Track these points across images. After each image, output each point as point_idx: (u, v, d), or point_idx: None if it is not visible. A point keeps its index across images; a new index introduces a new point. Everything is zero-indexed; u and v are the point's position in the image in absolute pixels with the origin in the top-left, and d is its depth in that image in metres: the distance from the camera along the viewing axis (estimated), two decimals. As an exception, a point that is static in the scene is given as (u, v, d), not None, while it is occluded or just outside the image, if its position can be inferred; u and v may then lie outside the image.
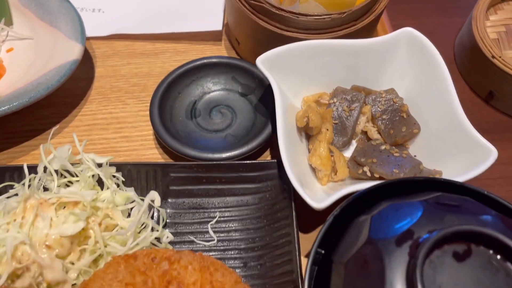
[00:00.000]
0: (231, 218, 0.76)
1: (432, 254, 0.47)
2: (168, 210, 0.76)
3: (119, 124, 0.92)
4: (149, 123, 0.89)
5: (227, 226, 0.76)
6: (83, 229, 0.65)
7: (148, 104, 0.88)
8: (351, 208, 0.57)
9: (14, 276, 0.61)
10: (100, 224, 0.66)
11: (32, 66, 0.90)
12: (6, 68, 0.92)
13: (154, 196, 0.70)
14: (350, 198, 0.58)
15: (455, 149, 0.75)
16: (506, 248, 0.46)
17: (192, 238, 0.74)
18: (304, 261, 0.70)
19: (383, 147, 0.79)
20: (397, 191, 0.58)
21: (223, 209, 0.77)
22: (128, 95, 0.96)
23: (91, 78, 0.99)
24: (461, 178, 0.68)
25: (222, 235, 0.75)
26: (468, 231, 0.47)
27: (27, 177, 0.69)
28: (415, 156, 0.79)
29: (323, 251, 0.57)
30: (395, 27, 0.98)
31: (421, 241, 0.47)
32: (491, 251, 0.47)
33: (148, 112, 0.88)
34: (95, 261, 0.67)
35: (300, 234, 0.75)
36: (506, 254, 0.47)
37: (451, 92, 0.78)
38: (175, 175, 0.77)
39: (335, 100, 0.84)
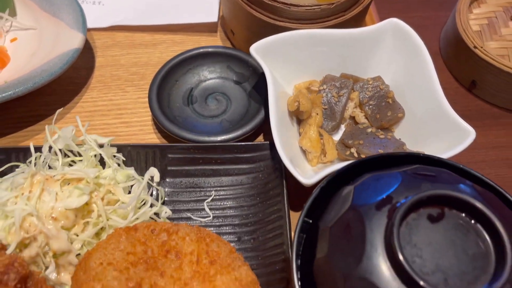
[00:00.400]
0: (226, 196, 0.81)
1: (408, 216, 0.51)
2: (166, 189, 0.80)
3: (119, 111, 0.96)
4: (148, 109, 0.93)
5: (222, 204, 0.80)
6: (86, 203, 0.69)
7: (147, 92, 0.92)
8: (336, 180, 0.62)
9: (22, 245, 0.65)
10: (102, 199, 0.70)
11: (35, 55, 0.94)
12: (10, 57, 0.96)
13: (153, 172, 0.75)
14: (335, 172, 0.62)
15: (436, 132, 0.80)
16: (476, 211, 0.51)
17: (189, 215, 0.78)
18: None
19: (369, 130, 0.83)
20: (379, 165, 0.62)
21: (219, 188, 0.81)
22: (128, 83, 1.00)
23: (92, 67, 1.03)
24: (441, 156, 0.72)
25: (217, 212, 0.79)
26: (441, 195, 0.51)
27: (33, 155, 0.73)
28: (399, 139, 0.84)
29: (310, 221, 0.61)
30: (382, 20, 1.02)
31: (398, 206, 0.52)
32: (463, 214, 0.52)
33: (146, 99, 0.92)
34: (98, 234, 0.71)
35: (291, 211, 0.79)
36: (476, 217, 0.51)
37: (433, 78, 0.83)
38: (173, 156, 0.81)
39: (324, 86, 0.89)
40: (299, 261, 0.59)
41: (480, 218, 0.51)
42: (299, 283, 0.55)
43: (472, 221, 0.51)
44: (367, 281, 0.49)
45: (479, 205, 0.51)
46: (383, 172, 0.59)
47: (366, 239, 0.51)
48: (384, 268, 0.49)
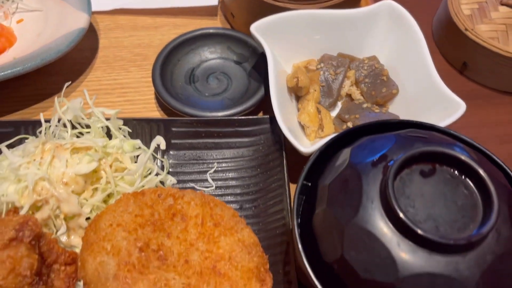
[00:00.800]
0: (228, 168, 0.84)
1: (402, 172, 0.55)
2: (170, 161, 0.84)
3: (123, 89, 0.99)
4: (151, 88, 0.96)
5: (224, 175, 0.83)
6: (95, 170, 0.72)
7: (149, 72, 0.95)
8: (334, 145, 0.65)
9: (34, 208, 0.68)
10: (110, 166, 0.73)
11: (42, 35, 0.97)
12: (17, 37, 0.99)
13: (159, 140, 0.78)
14: (334, 137, 0.66)
15: (429, 106, 0.84)
16: (466, 167, 0.54)
17: (192, 185, 0.82)
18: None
19: (365, 105, 0.87)
20: (375, 131, 0.66)
21: (221, 160, 0.85)
22: (131, 64, 1.03)
23: (96, 48, 1.06)
24: (433, 127, 0.76)
25: (219, 182, 0.82)
26: (433, 152, 0.55)
27: (43, 125, 0.76)
28: (394, 114, 0.88)
29: (309, 183, 0.65)
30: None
31: (392, 162, 0.55)
32: (453, 170, 0.55)
33: (149, 79, 0.95)
34: (106, 201, 0.74)
35: (290, 183, 0.83)
36: (466, 172, 0.55)
37: (426, 55, 0.87)
38: (177, 129, 0.84)
39: (322, 65, 0.93)
40: (299, 220, 0.62)
41: (469, 173, 0.55)
42: (299, 239, 0.59)
43: (462, 176, 0.55)
44: (363, 229, 0.52)
45: (468, 160, 0.54)
46: (378, 135, 0.62)
47: (363, 192, 0.54)
48: (379, 217, 0.52)
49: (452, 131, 0.65)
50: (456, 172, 0.55)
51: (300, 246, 0.57)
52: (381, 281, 0.51)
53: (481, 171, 0.53)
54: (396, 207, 0.51)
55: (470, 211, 0.53)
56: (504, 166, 0.61)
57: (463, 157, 0.55)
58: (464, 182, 0.55)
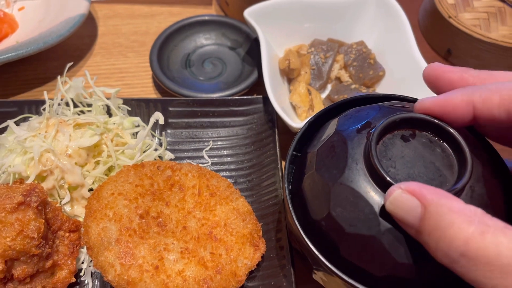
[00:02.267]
0: (223, 146, 0.88)
1: (384, 137, 0.59)
2: (168, 139, 0.88)
3: (121, 74, 1.03)
4: (149, 73, 1.00)
5: (219, 152, 0.88)
6: (97, 144, 0.76)
7: (147, 57, 0.99)
8: (323, 117, 0.70)
9: (40, 178, 0.72)
10: (112, 141, 0.77)
11: (43, 21, 1.01)
12: (19, 24, 1.03)
13: (158, 116, 0.82)
14: (323, 109, 0.70)
15: (414, 87, 0.88)
16: (443, 131, 0.59)
17: (189, 161, 0.86)
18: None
19: (353, 86, 0.92)
20: (361, 104, 0.70)
21: (216, 139, 0.89)
22: (129, 50, 1.07)
23: (95, 35, 1.10)
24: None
25: (215, 159, 0.87)
26: (412, 118, 0.59)
27: (47, 102, 0.80)
28: (380, 94, 0.92)
29: (299, 154, 0.69)
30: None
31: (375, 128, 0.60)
32: (431, 134, 0.60)
33: (147, 64, 0.99)
34: (107, 174, 0.78)
35: (282, 157, 0.87)
36: (443, 136, 0.59)
37: (411, 40, 0.92)
38: (173, 109, 0.88)
39: (312, 49, 0.97)
40: (290, 186, 0.66)
41: (446, 137, 0.59)
42: (290, 201, 0.63)
43: (440, 140, 0.59)
44: (348, 188, 0.57)
45: (445, 126, 0.59)
46: (363, 106, 0.67)
47: (348, 155, 0.59)
48: (363, 177, 0.57)
49: (432, 104, 0.70)
50: (434, 136, 0.60)
51: (290, 207, 0.61)
52: (364, 234, 0.55)
53: (457, 135, 0.58)
54: (378, 167, 0.55)
55: (446, 171, 0.57)
56: (478, 132, 0.65)
57: (441, 124, 0.59)
58: (441, 146, 0.59)
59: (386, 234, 0.54)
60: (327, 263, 0.57)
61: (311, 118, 0.69)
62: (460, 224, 0.43)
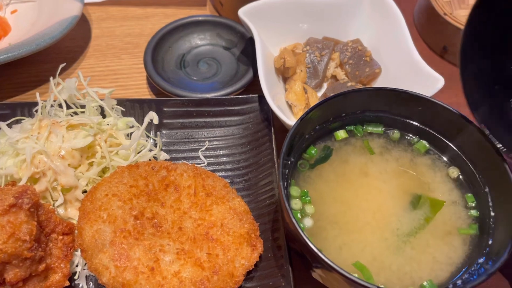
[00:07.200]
0: (219, 146, 0.87)
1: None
2: (163, 140, 0.86)
3: (115, 76, 1.02)
4: (143, 74, 1.00)
5: (215, 152, 0.86)
6: (91, 145, 0.75)
7: (141, 59, 0.98)
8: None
9: (32, 180, 0.71)
10: (105, 141, 0.76)
11: (36, 24, 1.00)
12: (11, 26, 1.02)
13: (152, 116, 0.81)
14: (316, 104, 0.69)
15: (410, 83, 0.87)
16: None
17: (185, 161, 0.84)
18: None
19: (349, 84, 0.91)
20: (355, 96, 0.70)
21: (212, 139, 0.88)
22: (123, 51, 1.06)
23: (88, 38, 1.09)
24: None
25: (211, 159, 0.85)
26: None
27: (39, 103, 0.78)
28: (377, 92, 0.91)
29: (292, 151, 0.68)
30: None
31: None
32: None
33: (141, 65, 0.98)
34: (102, 175, 0.76)
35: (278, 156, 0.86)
36: None
37: (406, 36, 0.91)
38: (168, 109, 0.87)
39: (308, 48, 0.96)
40: (286, 184, 0.65)
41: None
42: (287, 201, 0.62)
43: None
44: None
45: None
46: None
47: None
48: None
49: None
50: None
51: (287, 205, 0.60)
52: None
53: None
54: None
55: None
56: None
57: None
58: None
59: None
60: (326, 259, 0.56)
61: (304, 114, 0.68)
62: None
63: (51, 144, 0.72)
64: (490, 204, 0.65)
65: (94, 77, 1.01)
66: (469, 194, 0.69)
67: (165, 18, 1.13)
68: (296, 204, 0.67)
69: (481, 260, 0.61)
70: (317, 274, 0.63)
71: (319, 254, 0.56)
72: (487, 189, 0.67)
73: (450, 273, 0.63)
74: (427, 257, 0.64)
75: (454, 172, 0.71)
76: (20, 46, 0.89)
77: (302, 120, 0.68)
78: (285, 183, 0.65)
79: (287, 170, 0.67)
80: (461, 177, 0.70)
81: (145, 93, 0.99)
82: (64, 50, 1.04)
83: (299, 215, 0.66)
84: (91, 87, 0.96)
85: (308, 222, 0.66)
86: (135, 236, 0.67)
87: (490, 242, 0.62)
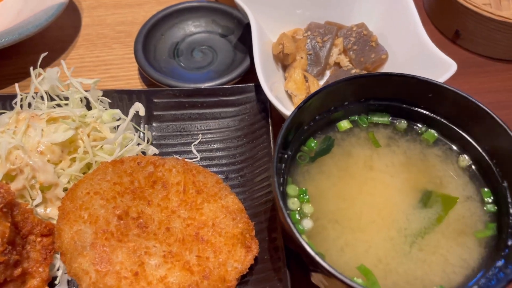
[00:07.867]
0: (213, 139, 0.81)
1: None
2: (153, 133, 0.81)
3: (105, 66, 0.96)
4: (134, 64, 0.94)
5: (209, 146, 0.81)
6: (73, 140, 0.69)
7: (133, 48, 0.93)
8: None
9: (8, 178, 0.66)
10: (88, 135, 0.70)
11: (22, 12, 0.95)
12: (-4, 15, 0.97)
13: (138, 107, 0.75)
14: (314, 92, 0.63)
15: (420, 68, 0.80)
16: None
17: (176, 156, 0.79)
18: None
19: (353, 71, 0.84)
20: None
21: (206, 131, 0.82)
22: (114, 41, 1.01)
23: (78, 27, 1.03)
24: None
25: (204, 153, 0.80)
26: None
27: (18, 95, 0.73)
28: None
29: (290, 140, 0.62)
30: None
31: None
32: None
33: (133, 55, 0.92)
34: (85, 172, 0.71)
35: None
36: None
37: (415, 19, 0.84)
38: (159, 100, 0.82)
39: (309, 33, 0.90)
40: (281, 179, 0.60)
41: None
42: (281, 199, 0.56)
43: None
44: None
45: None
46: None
47: None
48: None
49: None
50: None
51: (281, 203, 0.54)
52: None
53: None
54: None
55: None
56: None
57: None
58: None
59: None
60: (323, 263, 0.50)
61: (301, 104, 0.62)
62: None
63: (29, 138, 0.67)
64: (510, 200, 0.59)
65: (84, 67, 0.96)
66: (485, 189, 0.62)
67: (159, 5, 1.07)
68: (293, 204, 0.61)
69: (499, 263, 0.55)
70: (317, 279, 0.57)
71: (318, 259, 0.50)
72: (505, 184, 0.60)
73: (464, 276, 0.57)
74: (438, 258, 0.58)
75: (467, 164, 0.64)
76: (1, 36, 0.84)
77: (299, 109, 0.61)
78: (281, 179, 0.59)
79: (283, 165, 0.61)
80: (475, 169, 0.64)
81: (137, 84, 0.94)
82: (52, 40, 0.99)
83: (297, 216, 0.60)
84: (78, 77, 0.91)
85: (307, 223, 0.60)
86: (118, 237, 0.62)
87: (509, 243, 0.56)
